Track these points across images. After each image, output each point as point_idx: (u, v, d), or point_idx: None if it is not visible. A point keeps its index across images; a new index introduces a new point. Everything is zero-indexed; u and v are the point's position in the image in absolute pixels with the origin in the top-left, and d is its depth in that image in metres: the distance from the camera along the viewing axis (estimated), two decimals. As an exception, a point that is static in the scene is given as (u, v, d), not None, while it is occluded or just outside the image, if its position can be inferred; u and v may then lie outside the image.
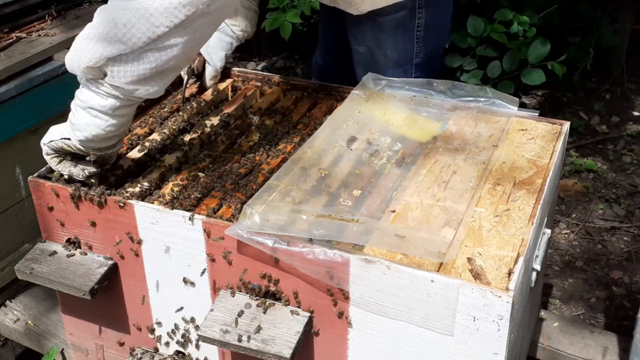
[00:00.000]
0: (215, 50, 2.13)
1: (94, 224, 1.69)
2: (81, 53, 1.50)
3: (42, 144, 1.67)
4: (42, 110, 2.33)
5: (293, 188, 1.60)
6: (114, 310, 1.81)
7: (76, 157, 1.68)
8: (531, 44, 3.51)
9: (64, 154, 1.67)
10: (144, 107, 2.04)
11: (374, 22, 2.09)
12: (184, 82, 2.10)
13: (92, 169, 1.68)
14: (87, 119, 1.58)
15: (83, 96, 1.57)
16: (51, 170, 1.73)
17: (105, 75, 1.51)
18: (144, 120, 1.98)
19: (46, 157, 1.68)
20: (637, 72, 4.12)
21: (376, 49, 2.14)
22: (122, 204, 1.63)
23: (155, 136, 1.90)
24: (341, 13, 2.13)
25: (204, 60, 2.14)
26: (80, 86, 1.57)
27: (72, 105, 1.61)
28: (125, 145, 1.86)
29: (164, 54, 1.49)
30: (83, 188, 1.67)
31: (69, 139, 1.62)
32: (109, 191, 1.65)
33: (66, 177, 1.71)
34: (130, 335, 1.84)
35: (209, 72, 2.14)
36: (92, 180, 1.69)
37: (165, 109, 2.03)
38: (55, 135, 1.64)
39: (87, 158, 1.68)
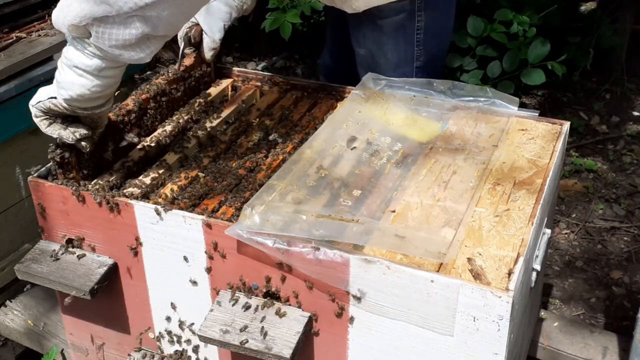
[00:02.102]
0: (213, 20, 2.05)
1: (93, 224, 1.69)
2: (67, 9, 1.47)
3: (30, 106, 1.62)
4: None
5: (293, 188, 1.60)
6: (114, 310, 1.81)
7: (67, 119, 1.64)
8: (531, 44, 3.51)
9: (53, 116, 1.63)
10: (144, 106, 2.04)
11: (374, 25, 2.09)
12: (180, 50, 2.04)
13: (83, 131, 1.64)
14: (72, 77, 1.55)
15: (69, 54, 1.54)
16: (52, 171, 1.73)
17: (90, 35, 1.48)
18: (144, 120, 1.97)
19: (35, 120, 1.64)
20: (637, 72, 4.12)
21: (377, 51, 2.14)
22: (122, 204, 1.63)
23: (156, 135, 1.89)
24: (343, 15, 2.13)
25: (201, 30, 2.06)
26: (67, 44, 1.54)
27: (59, 62, 1.57)
28: (125, 146, 1.85)
29: (150, 22, 1.45)
30: (83, 188, 1.67)
31: (55, 97, 1.59)
32: (109, 192, 1.65)
33: (58, 140, 1.66)
34: (130, 335, 1.84)
35: (207, 43, 2.06)
36: (84, 144, 1.65)
37: (165, 108, 2.02)
38: (42, 96, 1.61)
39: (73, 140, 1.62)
